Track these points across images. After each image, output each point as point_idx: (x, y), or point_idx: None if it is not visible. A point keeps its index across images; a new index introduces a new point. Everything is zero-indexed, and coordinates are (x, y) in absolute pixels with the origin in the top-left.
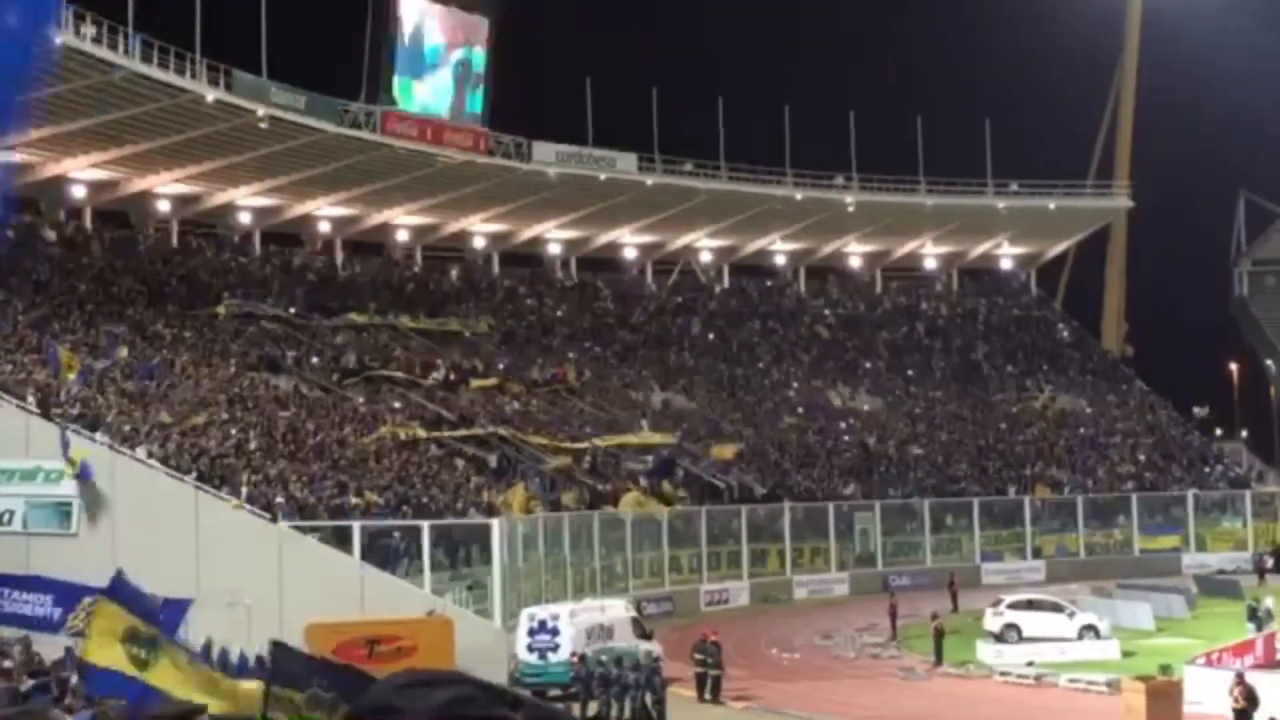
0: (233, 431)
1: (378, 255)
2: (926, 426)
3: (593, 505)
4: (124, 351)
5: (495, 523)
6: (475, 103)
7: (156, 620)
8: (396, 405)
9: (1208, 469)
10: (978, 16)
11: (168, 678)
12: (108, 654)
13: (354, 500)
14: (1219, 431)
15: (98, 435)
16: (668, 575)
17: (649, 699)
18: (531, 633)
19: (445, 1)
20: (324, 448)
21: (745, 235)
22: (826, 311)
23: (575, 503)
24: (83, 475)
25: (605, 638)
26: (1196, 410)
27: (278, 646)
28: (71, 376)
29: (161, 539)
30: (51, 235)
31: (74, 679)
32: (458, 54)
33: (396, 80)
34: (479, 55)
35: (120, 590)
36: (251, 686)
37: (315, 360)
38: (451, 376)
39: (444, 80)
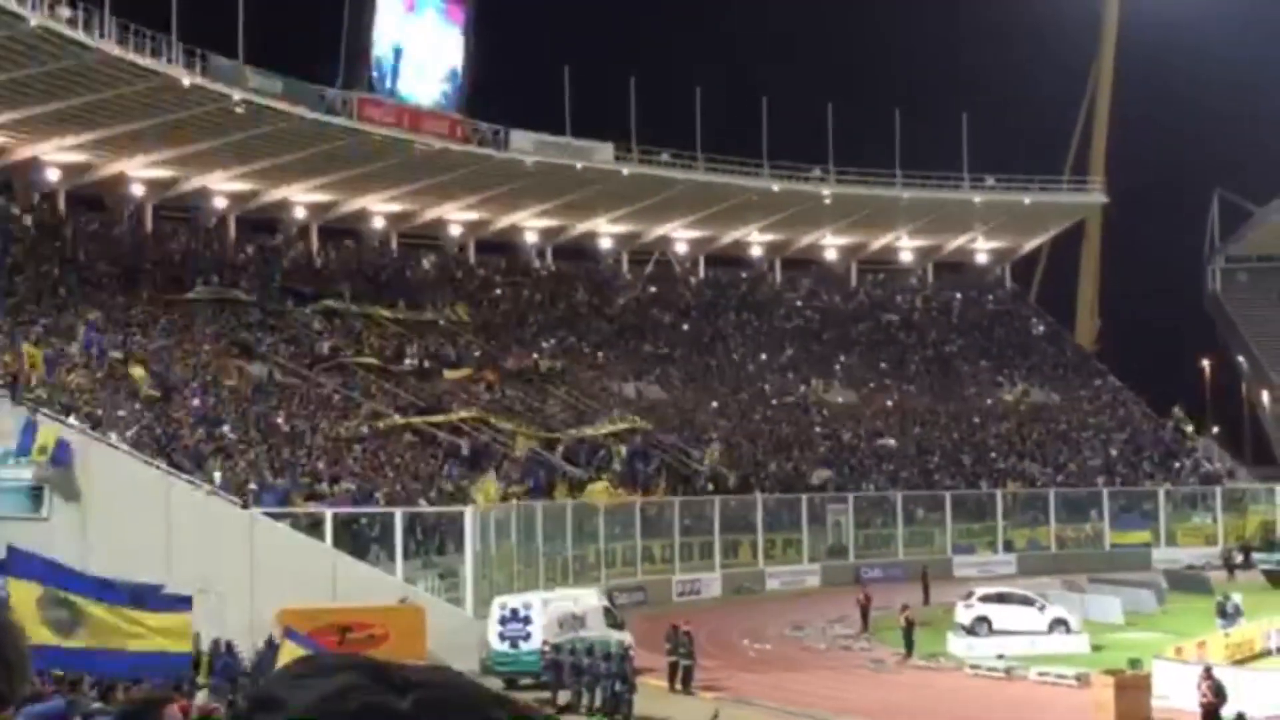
0: (205, 417)
1: (353, 242)
2: (900, 419)
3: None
4: (81, 331)
5: (468, 511)
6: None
7: (62, 579)
8: (371, 392)
9: (1179, 464)
10: (956, 11)
11: (99, 633)
12: (31, 630)
13: (326, 487)
14: (1190, 428)
15: (70, 420)
16: (640, 565)
17: (619, 688)
18: (503, 621)
19: None
20: (296, 434)
21: (721, 226)
22: (801, 303)
23: (562, 494)
24: (59, 458)
25: (577, 627)
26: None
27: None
28: (37, 372)
29: (133, 524)
30: (25, 219)
31: None
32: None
33: (374, 63)
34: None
35: (16, 565)
36: (177, 619)
37: (290, 347)
38: (426, 364)
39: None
